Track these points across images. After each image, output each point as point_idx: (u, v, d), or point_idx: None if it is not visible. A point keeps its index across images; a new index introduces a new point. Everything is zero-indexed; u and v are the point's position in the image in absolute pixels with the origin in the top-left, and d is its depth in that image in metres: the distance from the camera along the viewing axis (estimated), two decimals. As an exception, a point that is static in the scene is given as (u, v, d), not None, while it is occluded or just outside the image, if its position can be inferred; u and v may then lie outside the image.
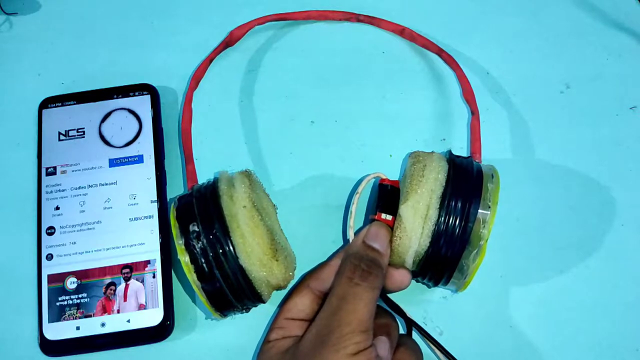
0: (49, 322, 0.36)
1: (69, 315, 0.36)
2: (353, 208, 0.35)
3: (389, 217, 0.34)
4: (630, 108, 0.43)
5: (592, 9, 0.46)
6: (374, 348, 0.30)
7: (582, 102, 0.43)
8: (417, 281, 0.36)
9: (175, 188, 0.40)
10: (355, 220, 0.36)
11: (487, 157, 0.39)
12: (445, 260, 0.32)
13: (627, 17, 0.45)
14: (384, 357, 0.30)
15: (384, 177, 0.36)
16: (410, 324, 0.35)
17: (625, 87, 0.43)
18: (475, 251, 0.32)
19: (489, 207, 0.32)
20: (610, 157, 0.41)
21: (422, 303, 0.37)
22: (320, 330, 0.30)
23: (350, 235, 0.35)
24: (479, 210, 0.32)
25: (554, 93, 0.43)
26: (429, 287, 0.36)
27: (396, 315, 0.35)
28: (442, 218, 0.32)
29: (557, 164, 0.41)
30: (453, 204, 0.32)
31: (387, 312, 0.34)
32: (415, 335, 0.35)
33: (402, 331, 0.35)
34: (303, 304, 0.33)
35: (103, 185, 0.39)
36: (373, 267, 0.32)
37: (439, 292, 0.38)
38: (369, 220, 0.35)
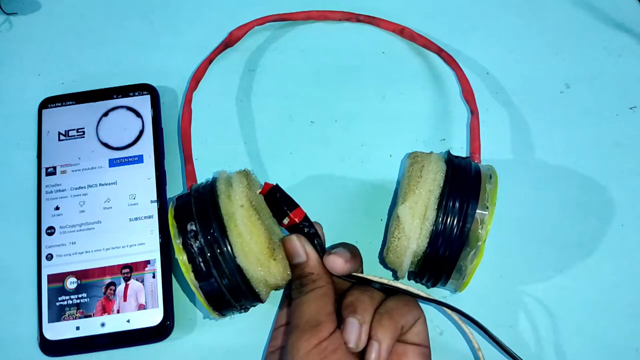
0: (49, 322, 0.36)
1: (68, 316, 0.36)
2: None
3: (286, 221, 0.34)
4: (630, 108, 0.42)
5: (592, 9, 0.46)
6: (337, 334, 0.30)
7: (582, 102, 0.43)
8: (416, 281, 0.36)
9: (175, 188, 0.40)
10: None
11: (487, 157, 0.39)
12: (443, 261, 0.32)
13: (627, 17, 0.45)
14: (351, 340, 0.30)
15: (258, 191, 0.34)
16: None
17: (625, 87, 0.43)
18: (473, 251, 0.32)
19: (487, 207, 0.32)
20: (610, 157, 0.41)
21: (422, 303, 0.37)
22: (284, 345, 0.32)
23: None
24: (477, 211, 0.32)
25: (554, 93, 0.43)
26: (427, 287, 0.36)
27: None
28: (440, 218, 0.32)
29: (557, 164, 0.41)
30: (451, 204, 0.32)
31: (355, 290, 0.33)
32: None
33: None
34: (286, 312, 0.35)
35: (103, 185, 0.39)
36: (303, 280, 0.33)
37: (439, 292, 0.38)
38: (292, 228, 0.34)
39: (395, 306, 0.32)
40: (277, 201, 0.34)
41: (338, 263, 0.32)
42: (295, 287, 0.33)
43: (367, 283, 0.34)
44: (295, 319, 0.31)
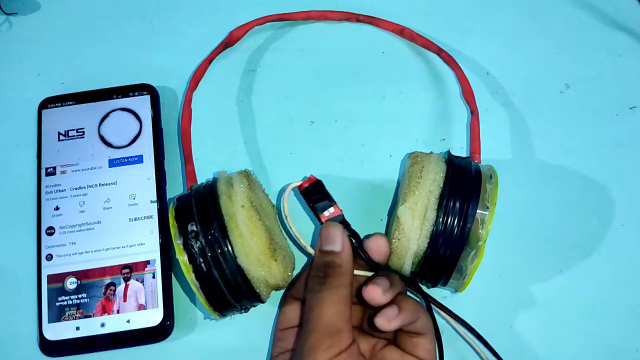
0: (49, 322, 0.36)
1: (68, 316, 0.36)
2: (294, 231, 0.34)
3: (332, 210, 0.34)
4: (630, 108, 0.42)
5: (592, 9, 0.46)
6: (355, 346, 0.29)
7: (582, 102, 0.43)
8: (417, 282, 0.36)
9: (175, 188, 0.40)
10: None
11: (487, 157, 0.39)
12: (443, 261, 0.32)
13: (627, 17, 0.45)
14: (377, 292, 0.30)
15: (298, 183, 0.35)
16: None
17: (625, 87, 0.43)
18: (473, 252, 0.32)
19: (488, 207, 0.32)
20: (610, 157, 0.41)
21: (422, 303, 0.37)
22: (298, 346, 0.31)
23: (310, 250, 0.34)
24: (478, 211, 0.32)
25: (554, 93, 0.43)
26: (428, 287, 0.36)
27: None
28: (441, 219, 0.32)
29: (556, 164, 0.41)
30: (451, 204, 0.32)
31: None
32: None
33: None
34: (292, 312, 0.34)
35: (103, 185, 0.39)
36: (328, 270, 0.31)
37: (439, 292, 0.38)
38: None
39: (415, 302, 0.31)
40: (324, 190, 0.34)
41: (376, 294, 0.30)
42: (316, 275, 0.31)
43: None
44: (314, 320, 0.30)
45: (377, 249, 0.32)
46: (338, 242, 0.32)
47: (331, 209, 0.34)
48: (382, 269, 0.33)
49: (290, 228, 0.34)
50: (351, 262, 0.32)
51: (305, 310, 0.31)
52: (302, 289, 0.34)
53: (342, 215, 0.34)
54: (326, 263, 0.32)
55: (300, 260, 0.35)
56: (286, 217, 0.34)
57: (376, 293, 0.30)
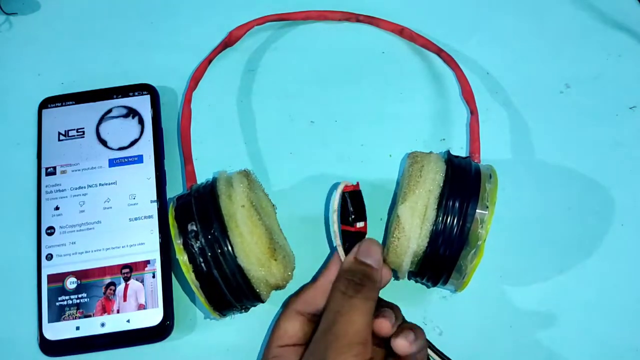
0: (49, 322, 0.36)
1: (68, 315, 0.36)
2: (335, 227, 0.34)
3: (361, 224, 0.34)
4: (630, 108, 0.42)
5: (592, 9, 0.46)
6: None
7: (582, 102, 0.43)
8: (416, 281, 0.36)
9: (175, 188, 0.40)
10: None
11: (487, 157, 0.39)
12: (443, 261, 0.32)
13: (627, 17, 0.45)
14: (388, 323, 0.31)
15: (348, 185, 0.35)
16: None
17: (625, 87, 0.43)
18: (473, 251, 0.32)
19: (487, 207, 0.32)
20: (610, 157, 0.41)
21: (422, 303, 0.37)
22: (318, 347, 0.30)
23: (341, 253, 0.34)
24: (477, 210, 0.32)
25: (554, 93, 0.43)
26: (427, 287, 0.36)
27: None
28: (440, 218, 0.32)
29: (556, 164, 0.41)
30: (451, 204, 0.32)
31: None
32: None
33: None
34: (293, 329, 0.33)
35: (103, 185, 0.39)
36: (365, 280, 0.32)
37: (439, 292, 0.38)
38: (341, 232, 0.34)
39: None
40: (363, 204, 0.35)
41: (388, 276, 0.33)
42: (352, 279, 0.32)
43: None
44: (344, 324, 0.30)
45: (379, 330, 0.32)
46: (378, 258, 0.33)
47: (361, 223, 0.34)
48: None
49: (333, 224, 0.34)
50: (380, 282, 0.33)
51: (329, 311, 0.31)
52: (311, 304, 0.33)
53: (365, 233, 0.35)
54: (363, 272, 0.32)
55: (300, 261, 0.35)
56: (334, 211, 0.34)
57: (385, 325, 0.31)
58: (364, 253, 0.33)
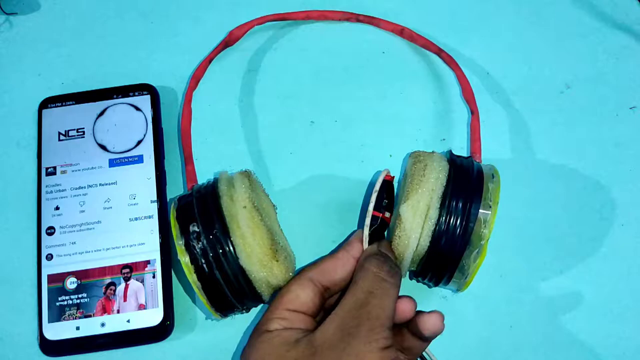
0: (49, 322, 0.36)
1: (68, 316, 0.36)
2: (371, 207, 0.33)
3: (387, 214, 0.34)
4: (630, 108, 0.42)
5: (592, 9, 0.46)
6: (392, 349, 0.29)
7: (582, 102, 0.43)
8: (418, 281, 0.36)
9: (175, 188, 0.40)
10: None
11: (487, 157, 0.39)
12: (446, 260, 0.32)
13: (627, 17, 0.45)
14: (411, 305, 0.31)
15: (389, 174, 0.35)
16: None
17: (625, 87, 0.43)
18: (476, 251, 0.32)
19: (490, 206, 0.32)
20: (610, 157, 0.41)
21: (422, 303, 0.37)
22: (346, 322, 0.29)
23: (365, 234, 0.33)
24: (480, 210, 0.32)
25: (554, 93, 0.43)
26: (429, 287, 0.36)
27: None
28: (443, 218, 0.32)
29: (557, 164, 0.41)
30: (454, 203, 0.32)
31: None
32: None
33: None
34: (306, 296, 0.31)
35: (103, 185, 0.39)
36: (395, 268, 0.32)
37: (439, 292, 0.38)
38: (372, 217, 0.33)
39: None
40: (393, 195, 0.35)
41: (409, 308, 0.32)
42: (390, 263, 0.32)
43: None
44: (377, 308, 0.29)
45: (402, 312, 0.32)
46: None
47: (388, 214, 0.34)
48: None
49: (371, 203, 0.33)
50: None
51: (360, 288, 0.30)
52: (329, 274, 0.32)
53: (388, 225, 0.34)
54: (394, 261, 0.32)
55: (301, 261, 0.35)
56: (376, 191, 0.33)
57: (409, 307, 0.32)
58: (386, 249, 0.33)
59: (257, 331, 0.31)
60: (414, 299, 0.32)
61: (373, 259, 0.32)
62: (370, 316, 0.29)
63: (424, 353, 0.34)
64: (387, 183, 0.35)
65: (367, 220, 0.33)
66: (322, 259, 0.34)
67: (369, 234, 0.33)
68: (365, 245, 0.33)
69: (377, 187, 0.34)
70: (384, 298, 0.30)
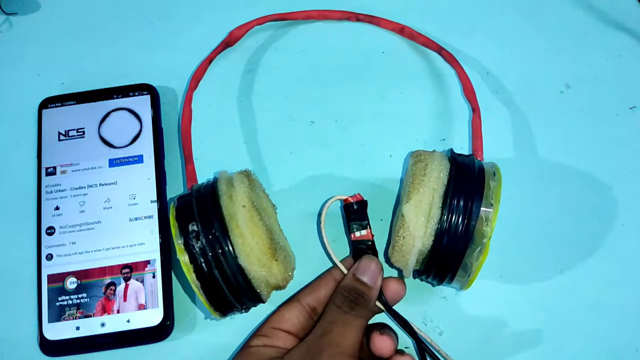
0: (49, 322, 0.36)
1: (68, 316, 0.36)
2: (326, 240, 0.35)
3: (364, 232, 0.35)
4: (630, 108, 0.42)
5: (592, 9, 0.46)
6: None
7: (582, 102, 0.43)
8: (421, 280, 0.36)
9: (175, 188, 0.40)
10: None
11: (487, 156, 0.39)
12: (449, 259, 0.32)
13: (627, 17, 0.45)
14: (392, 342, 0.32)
15: (344, 197, 0.36)
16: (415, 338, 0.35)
17: (625, 87, 0.43)
18: (478, 249, 0.32)
19: (492, 204, 0.32)
20: (610, 157, 0.41)
21: (422, 303, 0.37)
22: (311, 348, 0.32)
23: (337, 264, 0.35)
24: (482, 208, 0.32)
25: (554, 93, 0.43)
26: (433, 285, 0.36)
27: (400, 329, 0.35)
28: (445, 216, 0.32)
29: (557, 163, 0.41)
30: (455, 202, 0.32)
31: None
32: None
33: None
34: (290, 315, 0.34)
35: (103, 185, 0.39)
36: (359, 299, 0.33)
37: (439, 292, 0.38)
38: (350, 243, 0.35)
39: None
40: (365, 213, 0.36)
41: (402, 291, 0.35)
42: (348, 297, 0.33)
43: (404, 326, 0.35)
44: (337, 336, 0.31)
45: (395, 294, 0.35)
46: (374, 279, 0.34)
47: (364, 232, 0.35)
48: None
49: (324, 236, 0.35)
50: (375, 300, 0.34)
51: (325, 319, 0.33)
52: (314, 296, 0.35)
53: (372, 240, 0.35)
54: (358, 291, 0.33)
55: (300, 261, 0.35)
56: (322, 222, 0.36)
57: (388, 345, 0.33)
58: (362, 270, 0.34)
59: (243, 345, 0.34)
60: (395, 337, 0.33)
61: (338, 294, 0.34)
62: (331, 343, 0.31)
63: (433, 350, 0.35)
64: (346, 207, 0.36)
65: (330, 250, 0.35)
66: (311, 282, 0.36)
67: (353, 252, 0.35)
68: (344, 271, 0.35)
69: (323, 217, 0.36)
70: (344, 327, 0.32)
